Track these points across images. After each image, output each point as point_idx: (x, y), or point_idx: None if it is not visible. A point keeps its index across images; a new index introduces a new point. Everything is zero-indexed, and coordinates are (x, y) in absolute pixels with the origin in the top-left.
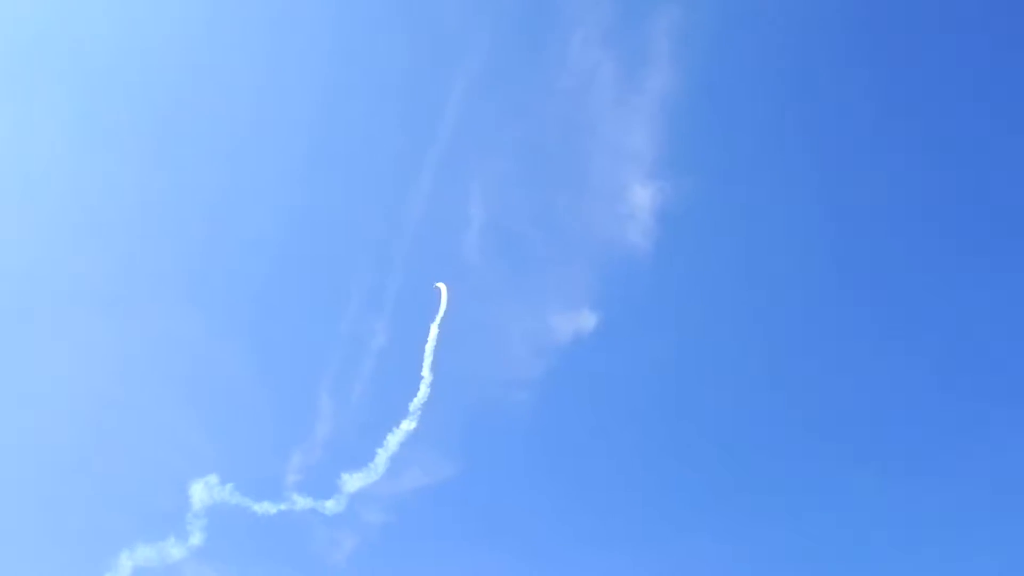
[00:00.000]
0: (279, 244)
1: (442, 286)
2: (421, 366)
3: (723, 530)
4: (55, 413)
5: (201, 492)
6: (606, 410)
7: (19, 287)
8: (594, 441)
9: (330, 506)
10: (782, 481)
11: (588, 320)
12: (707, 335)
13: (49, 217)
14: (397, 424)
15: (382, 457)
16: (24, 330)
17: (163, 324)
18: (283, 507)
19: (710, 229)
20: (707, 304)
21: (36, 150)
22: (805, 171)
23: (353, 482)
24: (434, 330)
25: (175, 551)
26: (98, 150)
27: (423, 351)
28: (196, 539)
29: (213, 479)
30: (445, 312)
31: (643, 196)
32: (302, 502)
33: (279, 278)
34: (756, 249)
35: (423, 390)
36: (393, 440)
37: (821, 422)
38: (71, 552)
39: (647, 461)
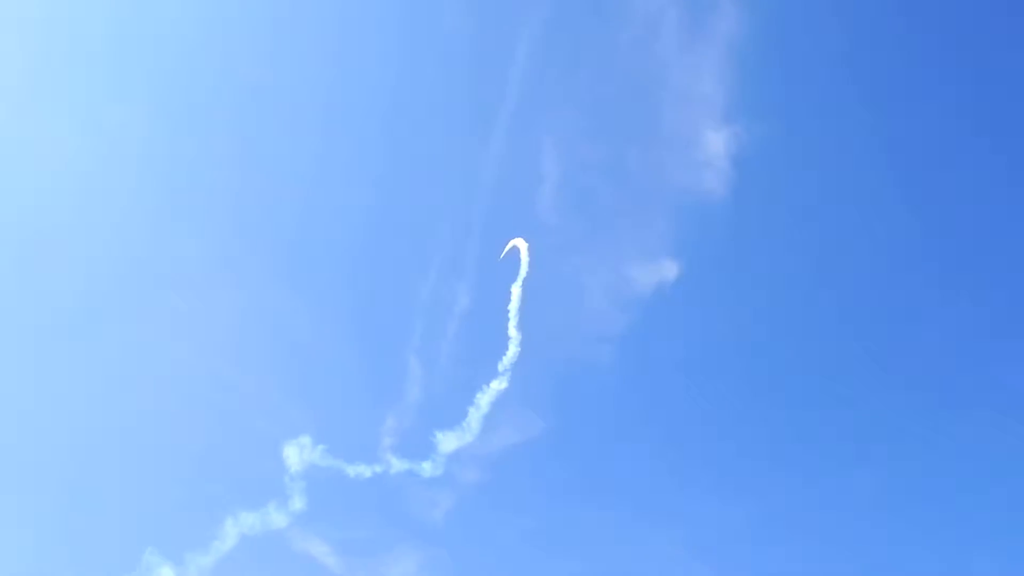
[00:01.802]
0: (359, 214)
1: (521, 243)
2: (505, 326)
3: (813, 474)
4: (157, 387)
5: (296, 456)
6: (691, 358)
7: (120, 271)
8: (681, 390)
9: (427, 468)
10: (870, 425)
11: (669, 270)
12: (789, 278)
13: (146, 205)
14: (485, 384)
15: (475, 417)
16: (126, 311)
17: (253, 297)
18: (378, 469)
19: (786, 172)
20: (787, 248)
21: (130, 140)
22: (878, 109)
23: (449, 443)
24: (517, 290)
25: (277, 517)
26: (187, 137)
27: (506, 311)
28: (297, 504)
29: (306, 440)
30: (527, 270)
31: (717, 142)
32: (398, 465)
33: (361, 246)
34: (833, 190)
35: (512, 349)
36: (484, 400)
37: (905, 365)
38: (179, 520)
39: (732, 407)
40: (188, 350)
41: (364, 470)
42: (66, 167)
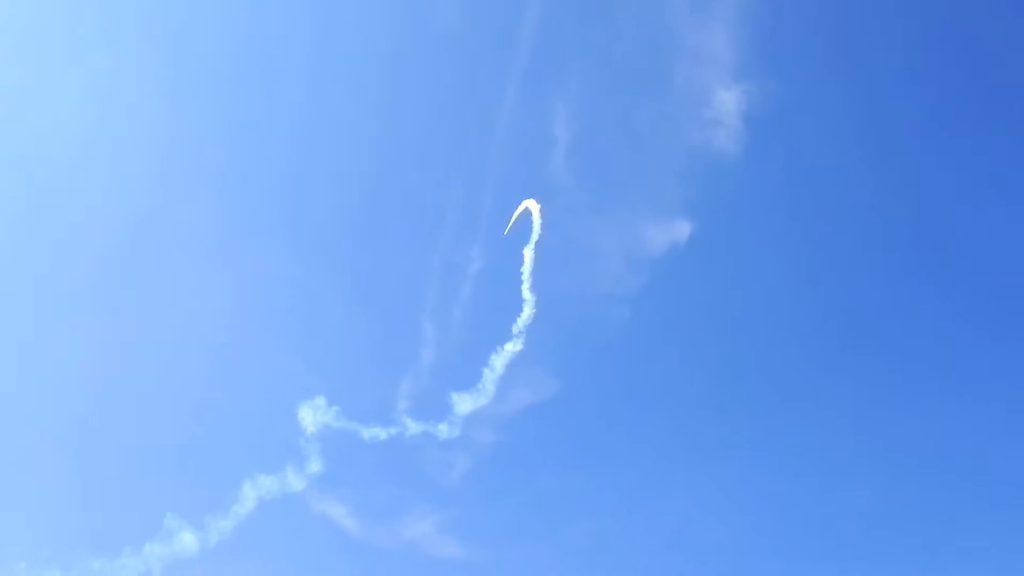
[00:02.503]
0: (372, 178)
1: (533, 205)
2: (519, 288)
3: (828, 435)
4: (173, 353)
5: (311, 418)
6: (705, 318)
7: (134, 238)
8: (695, 349)
9: (443, 429)
10: (883, 385)
11: (682, 230)
12: (801, 236)
13: (158, 172)
14: (500, 346)
15: (490, 379)
16: (140, 279)
17: (266, 261)
18: (394, 431)
19: (798, 130)
20: (800, 205)
21: (138, 107)
22: (890, 67)
23: (464, 405)
24: (530, 252)
25: (295, 480)
26: (196, 101)
27: (519, 273)
28: (314, 466)
29: (321, 401)
30: (539, 232)
31: (729, 100)
32: (414, 426)
33: (374, 209)
34: (844, 147)
35: (526, 311)
36: (499, 362)
37: (912, 323)
38: (198, 484)
39: (746, 367)
40: (202, 315)
41: (380, 432)
42: (75, 136)
